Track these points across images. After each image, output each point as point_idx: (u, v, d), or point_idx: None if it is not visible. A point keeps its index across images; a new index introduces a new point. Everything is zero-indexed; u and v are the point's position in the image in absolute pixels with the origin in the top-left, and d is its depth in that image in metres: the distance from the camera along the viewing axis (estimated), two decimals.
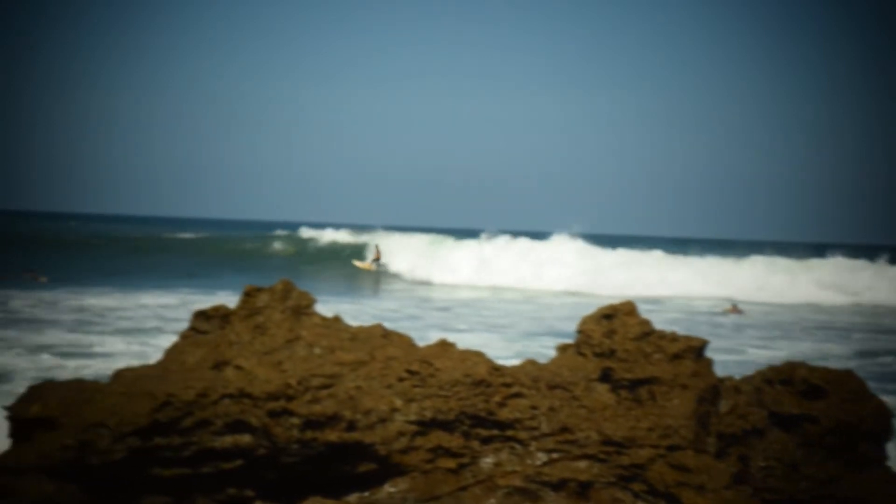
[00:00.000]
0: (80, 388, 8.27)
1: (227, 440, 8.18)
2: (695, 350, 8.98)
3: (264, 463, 8.26)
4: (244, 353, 8.47)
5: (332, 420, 8.30)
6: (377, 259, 66.53)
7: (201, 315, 8.75)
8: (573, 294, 53.17)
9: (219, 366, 8.41)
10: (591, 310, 9.37)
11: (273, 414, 8.22)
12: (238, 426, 8.18)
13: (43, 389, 8.32)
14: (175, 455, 8.12)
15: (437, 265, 61.92)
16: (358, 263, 65.89)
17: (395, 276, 61.73)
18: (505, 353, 23.37)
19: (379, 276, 62.44)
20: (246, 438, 8.20)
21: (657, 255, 64.00)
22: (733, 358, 25.92)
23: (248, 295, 8.76)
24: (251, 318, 8.69)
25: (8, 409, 8.30)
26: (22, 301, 36.57)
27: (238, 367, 8.36)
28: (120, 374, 8.40)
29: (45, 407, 8.12)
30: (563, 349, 9.18)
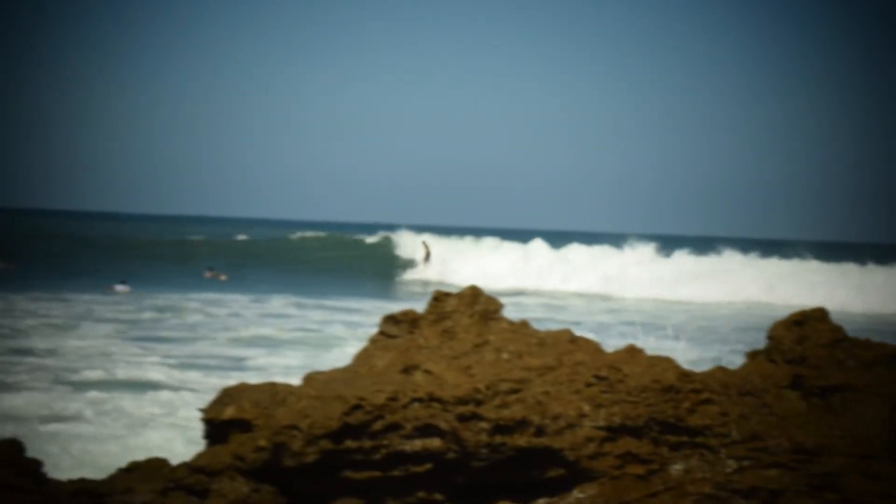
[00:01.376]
0: (273, 391, 8.41)
1: (417, 444, 8.24)
2: (889, 357, 8.79)
3: (453, 466, 8.31)
4: (433, 358, 8.53)
5: (520, 425, 8.31)
6: (427, 257, 65.26)
7: (390, 319, 8.83)
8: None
9: (408, 370, 8.49)
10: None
11: (462, 418, 8.26)
12: (428, 430, 8.24)
13: (236, 392, 8.48)
14: (366, 458, 8.21)
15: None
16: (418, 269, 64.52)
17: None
18: None
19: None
20: (435, 442, 8.25)
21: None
22: None
23: (437, 300, 8.82)
24: (439, 322, 8.74)
25: (203, 411, 8.49)
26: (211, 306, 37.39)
27: (427, 372, 8.42)
28: (311, 378, 8.53)
29: (240, 409, 8.28)
30: (752, 356, 9.06)
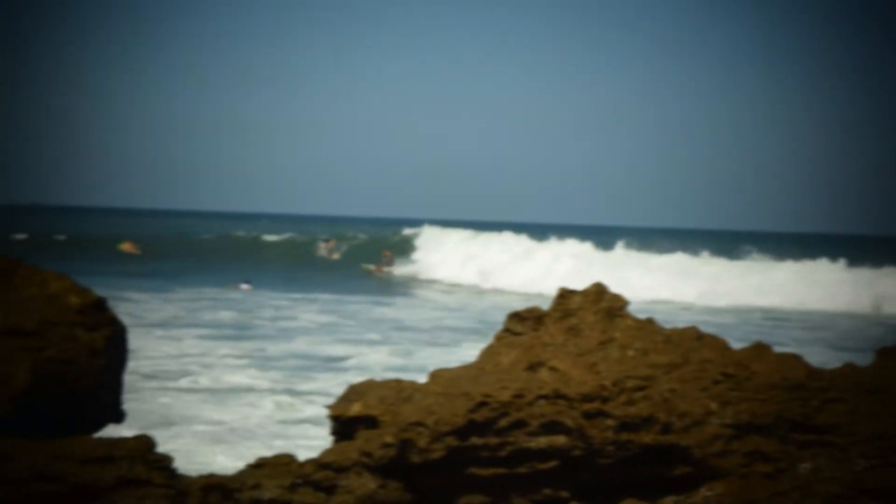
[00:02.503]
0: (399, 388, 8.45)
1: (543, 441, 8.23)
2: None
3: (579, 464, 8.28)
4: (558, 355, 8.51)
5: (647, 422, 8.26)
6: (389, 262, 64.03)
7: (515, 317, 8.83)
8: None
9: (533, 367, 8.48)
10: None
11: (588, 415, 8.24)
12: (553, 427, 8.23)
13: (363, 388, 8.53)
14: (492, 455, 8.22)
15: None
16: (368, 267, 63.09)
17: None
18: None
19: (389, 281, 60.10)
20: (561, 439, 8.23)
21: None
22: None
23: (562, 297, 8.81)
24: (565, 319, 8.72)
25: (330, 407, 8.55)
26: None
27: (553, 369, 8.41)
28: (436, 375, 8.55)
29: (366, 406, 8.33)
30: (882, 353, 8.92)
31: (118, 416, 8.53)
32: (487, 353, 8.72)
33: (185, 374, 21.40)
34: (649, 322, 8.78)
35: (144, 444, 8.08)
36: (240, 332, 29.29)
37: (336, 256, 58.47)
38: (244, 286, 44.24)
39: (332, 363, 23.73)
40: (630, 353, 8.55)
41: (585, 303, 8.74)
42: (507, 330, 8.82)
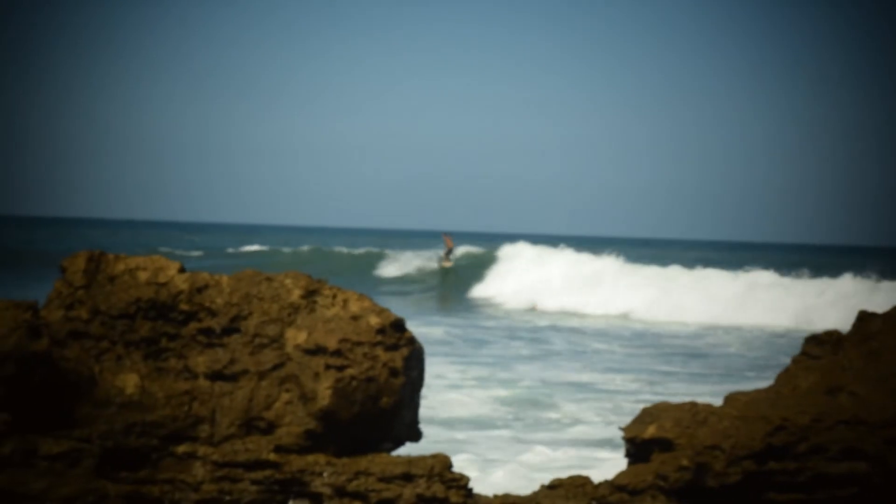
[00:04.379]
0: (693, 411, 8.40)
1: (842, 467, 8.08)
2: None
3: (880, 492, 8.09)
4: (858, 379, 8.34)
5: None
6: (449, 250, 58.07)
7: (813, 340, 8.69)
8: None
9: (832, 391, 8.33)
10: None
11: (889, 442, 8.05)
12: (853, 453, 8.07)
13: (656, 411, 8.51)
14: (789, 480, 8.10)
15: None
16: (445, 264, 57.29)
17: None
18: None
19: (454, 276, 54.80)
20: (861, 466, 8.07)
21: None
22: None
23: (861, 320, 8.63)
24: (864, 343, 8.54)
25: (624, 429, 8.55)
26: None
27: (852, 393, 8.25)
28: (732, 398, 8.47)
29: (661, 428, 8.30)
30: None
31: (415, 435, 8.69)
32: (784, 377, 8.59)
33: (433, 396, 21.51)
34: None
35: (442, 463, 8.23)
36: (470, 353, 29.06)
37: (448, 264, 56.85)
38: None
39: (573, 388, 23.50)
40: None
41: (886, 326, 8.54)
42: (804, 353, 8.68)
